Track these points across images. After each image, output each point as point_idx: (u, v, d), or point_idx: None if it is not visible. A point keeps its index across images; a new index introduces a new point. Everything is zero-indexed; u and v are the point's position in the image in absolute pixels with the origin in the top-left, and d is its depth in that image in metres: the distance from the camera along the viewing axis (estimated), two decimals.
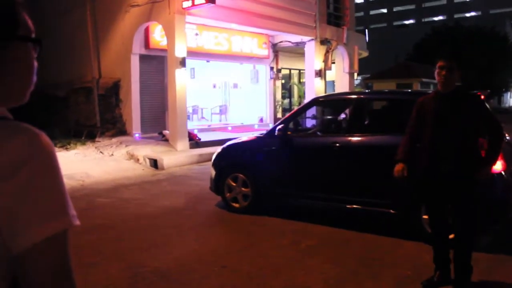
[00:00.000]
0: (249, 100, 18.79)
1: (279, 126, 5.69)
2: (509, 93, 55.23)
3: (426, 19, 78.13)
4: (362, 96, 5.62)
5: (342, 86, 20.68)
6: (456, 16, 71.38)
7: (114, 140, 12.18)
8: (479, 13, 73.38)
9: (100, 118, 12.86)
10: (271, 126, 18.37)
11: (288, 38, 17.65)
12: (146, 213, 6.22)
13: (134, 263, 4.25)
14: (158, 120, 13.68)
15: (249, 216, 5.89)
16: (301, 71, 22.77)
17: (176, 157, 10.79)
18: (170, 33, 11.34)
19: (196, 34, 13.73)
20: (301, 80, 22.90)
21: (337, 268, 4.17)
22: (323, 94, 6.92)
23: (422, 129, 3.59)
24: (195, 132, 13.02)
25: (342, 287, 3.79)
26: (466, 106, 3.47)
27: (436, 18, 77.01)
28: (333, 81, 21.54)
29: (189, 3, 10.84)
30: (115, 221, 5.83)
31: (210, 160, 11.12)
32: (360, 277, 3.98)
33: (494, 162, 3.49)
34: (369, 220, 5.43)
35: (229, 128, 16.51)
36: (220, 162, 6.36)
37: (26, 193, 0.80)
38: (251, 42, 16.89)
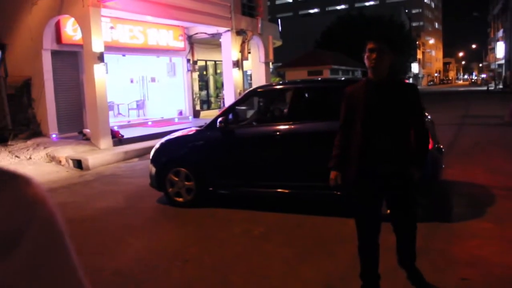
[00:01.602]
0: (167, 93, 18.51)
1: (220, 118, 5.75)
2: (408, 76, 59.48)
3: (330, 8, 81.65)
4: (300, 85, 5.84)
5: (258, 75, 21.06)
6: (357, 5, 75.35)
7: (29, 142, 11.42)
8: (377, 2, 78.07)
9: (11, 120, 11.96)
10: (190, 118, 18.45)
11: (204, 29, 17.58)
12: (86, 216, 5.98)
13: (90, 268, 4.11)
14: (76, 119, 13.04)
15: (195, 210, 5.90)
16: (217, 62, 22.78)
17: (101, 156, 10.39)
18: (85, 27, 10.81)
19: (111, 28, 13.23)
20: (217, 71, 22.94)
21: (294, 249, 4.37)
22: (262, 84, 7.08)
23: (353, 124, 3.11)
24: (116, 128, 12.60)
25: (302, 266, 3.99)
26: (401, 96, 3.07)
27: (338, 7, 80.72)
28: (245, 71, 21.83)
29: None
30: None
31: (136, 157, 11.11)
32: (317, 255, 4.21)
33: (423, 164, 3.13)
34: (314, 204, 5.70)
35: (149, 123, 16.16)
36: (160, 157, 6.28)
37: (28, 277, 0.55)
38: (167, 35, 16.61)
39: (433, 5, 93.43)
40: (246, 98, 6.09)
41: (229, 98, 18.18)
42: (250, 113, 10.88)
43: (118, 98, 17.50)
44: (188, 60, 18.86)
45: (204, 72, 21.65)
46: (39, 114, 12.17)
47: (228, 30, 17.54)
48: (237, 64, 18.17)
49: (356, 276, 3.36)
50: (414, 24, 70.89)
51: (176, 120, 17.69)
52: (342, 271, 3.86)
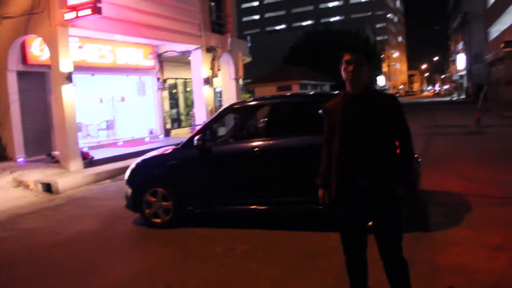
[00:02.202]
0: (138, 112, 18.25)
1: (197, 136, 5.67)
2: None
3: (296, 24, 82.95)
4: (277, 101, 5.82)
5: (229, 92, 21.07)
6: (322, 20, 76.84)
7: None
8: (343, 17, 79.90)
9: None
10: (161, 137, 18.23)
11: (173, 47, 17.50)
12: (59, 241, 5.74)
13: None
14: (44, 141, 12.66)
15: (173, 230, 5.77)
16: (187, 80, 22.69)
17: (71, 178, 10.09)
18: (53, 47, 10.56)
19: (80, 47, 13.00)
20: (187, 89, 22.84)
21: (279, 267, 4.30)
22: (238, 101, 7.03)
23: (332, 137, 3.04)
24: (85, 150, 12.29)
25: (290, 284, 3.91)
26: (380, 108, 2.93)
27: (304, 23, 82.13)
28: (215, 89, 21.79)
29: (72, 15, 10.22)
30: (24, 256, 5.28)
31: (108, 178, 10.83)
32: (303, 271, 4.15)
33: (406, 181, 2.95)
34: (295, 219, 5.66)
35: (120, 143, 15.86)
36: (136, 178, 6.12)
37: None
38: (136, 53, 16.46)
39: (396, 19, 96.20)
40: (223, 115, 6.02)
41: (200, 115, 18.09)
42: (221, 130, 10.83)
43: (87, 118, 17.12)
44: (158, 79, 18.71)
45: (174, 90, 21.52)
46: (5, 138, 11.75)
47: (198, 48, 17.53)
48: (208, 81, 18.14)
49: None
50: (378, 38, 72.62)
51: (147, 139, 17.44)
52: (330, 285, 3.81)
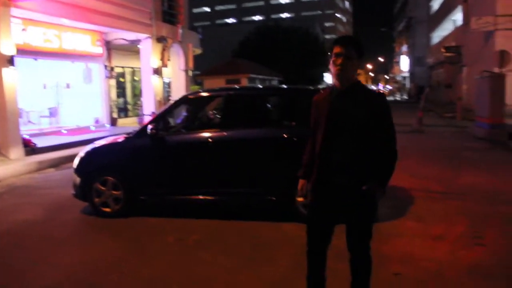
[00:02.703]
0: (83, 100, 17.64)
1: (151, 125, 5.58)
2: (322, 85, 61.93)
3: (247, 18, 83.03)
4: (231, 92, 5.82)
5: (178, 83, 20.83)
6: (273, 16, 77.37)
7: None
8: (293, 15, 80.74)
9: None
10: (108, 126, 17.75)
11: (123, 35, 17.05)
12: (2, 231, 5.48)
13: None
14: None
15: (124, 220, 5.66)
16: (135, 69, 22.17)
17: (12, 166, 9.63)
18: None
19: (23, 30, 12.37)
20: (135, 78, 22.34)
21: (232, 258, 4.33)
22: (193, 91, 6.96)
23: (316, 132, 2.97)
24: (26, 137, 11.74)
25: (244, 273, 3.96)
26: (367, 106, 2.81)
27: (255, 18, 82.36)
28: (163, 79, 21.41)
29: None
30: None
31: (52, 167, 10.42)
32: (256, 261, 4.21)
33: (388, 182, 2.88)
34: (244, 209, 5.72)
35: (64, 131, 15.29)
36: (86, 166, 5.95)
37: None
38: (83, 39, 15.90)
39: (344, 19, 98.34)
40: (177, 105, 5.95)
41: (148, 105, 17.77)
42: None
43: (29, 105, 16.35)
44: (106, 66, 18.18)
45: (122, 79, 20.98)
46: None
47: (149, 37, 17.18)
48: (157, 71, 17.85)
49: (297, 279, 3.40)
50: (327, 36, 73.98)
51: (92, 128, 16.94)
52: (283, 275, 3.90)
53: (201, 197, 5.54)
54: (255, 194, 5.47)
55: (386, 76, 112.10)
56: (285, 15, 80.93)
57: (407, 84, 58.57)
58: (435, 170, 8.27)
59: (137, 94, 21.61)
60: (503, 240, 4.70)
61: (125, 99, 21.37)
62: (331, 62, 2.86)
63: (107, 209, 5.80)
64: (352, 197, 2.84)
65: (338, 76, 2.84)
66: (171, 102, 6.88)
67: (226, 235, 5.03)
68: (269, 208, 5.59)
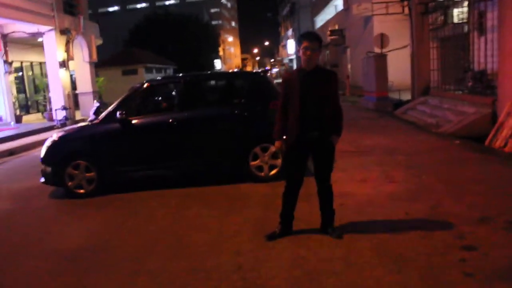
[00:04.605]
0: None
1: (120, 110, 6.35)
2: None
3: (130, 6, 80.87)
4: (188, 78, 6.79)
5: (83, 76, 20.65)
6: (157, 3, 76.35)
7: None
8: (178, 1, 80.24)
9: None
10: (13, 124, 17.24)
11: (22, 28, 16.61)
12: None
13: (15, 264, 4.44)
14: None
15: (100, 198, 6.38)
16: (34, 63, 21.54)
17: None
18: None
19: None
20: (35, 72, 21.66)
21: (214, 210, 5.42)
22: (155, 79, 7.71)
23: (291, 102, 4.07)
24: None
25: (230, 217, 5.09)
26: (326, 81, 4.05)
27: (139, 6, 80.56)
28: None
29: None
30: None
31: None
32: (236, 210, 5.37)
33: (341, 132, 4.19)
34: (208, 177, 6.81)
35: None
36: (56, 155, 6.53)
37: None
38: None
39: (229, 5, 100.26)
40: (140, 91, 6.73)
41: (57, 99, 17.57)
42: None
43: None
44: (5, 61, 17.54)
45: (22, 74, 20.28)
46: None
47: (52, 29, 16.95)
48: (64, 64, 17.69)
49: (271, 216, 4.62)
50: (214, 22, 75.20)
51: None
52: (260, 214, 5.10)
53: (170, 169, 6.51)
54: (215, 163, 6.58)
55: (271, 60, 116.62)
56: (169, 1, 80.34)
57: (294, 66, 62.09)
58: (344, 136, 9.91)
59: (40, 89, 20.98)
60: (407, 177, 6.37)
61: (27, 94, 20.69)
62: (301, 52, 4.03)
63: (81, 191, 6.48)
64: (321, 145, 4.13)
65: (306, 62, 4.05)
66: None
67: (201, 196, 6.09)
68: (228, 173, 6.75)
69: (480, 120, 9.39)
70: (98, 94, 21.12)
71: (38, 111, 21.11)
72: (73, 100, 18.83)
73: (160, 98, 7.40)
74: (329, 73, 4.25)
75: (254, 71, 7.77)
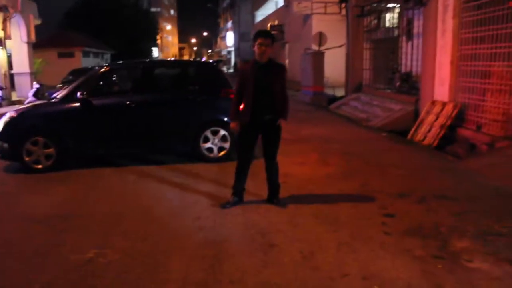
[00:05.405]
0: None
1: (80, 90, 6.71)
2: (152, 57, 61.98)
3: None
4: (147, 64, 7.27)
5: (20, 56, 20.05)
6: None
7: None
8: None
9: None
10: None
11: None
12: None
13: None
14: None
15: (58, 173, 6.70)
16: None
17: None
18: None
19: None
20: None
21: (182, 178, 6.19)
22: (116, 63, 8.04)
23: (245, 90, 4.69)
24: None
25: (182, 193, 5.67)
26: (276, 73, 4.74)
27: None
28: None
29: None
30: None
31: None
32: (200, 176, 6.18)
33: (287, 116, 4.83)
34: (163, 157, 7.35)
35: None
36: (14, 131, 6.76)
37: None
38: None
39: None
40: (102, 74, 7.11)
41: None
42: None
43: None
44: None
45: None
46: None
47: None
48: (0, 43, 17.17)
49: (227, 183, 5.29)
50: (152, 9, 73.93)
51: None
52: (218, 179, 5.74)
53: (126, 148, 6.98)
54: (169, 143, 7.13)
55: (209, 51, 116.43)
56: None
57: (232, 58, 62.73)
58: (283, 126, 10.74)
59: None
60: (342, 162, 7.28)
61: None
62: (255, 47, 4.69)
63: (39, 166, 6.77)
64: (271, 126, 4.86)
65: (260, 56, 4.71)
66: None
67: (157, 173, 6.61)
68: (181, 154, 7.33)
69: (404, 116, 10.58)
70: (34, 76, 20.58)
71: None
72: (9, 81, 18.30)
73: (119, 81, 7.80)
74: (279, 66, 4.98)
75: (209, 61, 8.38)
